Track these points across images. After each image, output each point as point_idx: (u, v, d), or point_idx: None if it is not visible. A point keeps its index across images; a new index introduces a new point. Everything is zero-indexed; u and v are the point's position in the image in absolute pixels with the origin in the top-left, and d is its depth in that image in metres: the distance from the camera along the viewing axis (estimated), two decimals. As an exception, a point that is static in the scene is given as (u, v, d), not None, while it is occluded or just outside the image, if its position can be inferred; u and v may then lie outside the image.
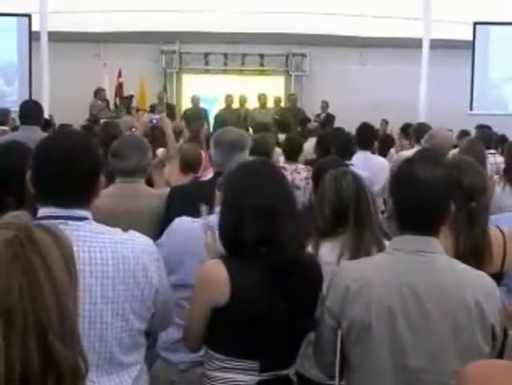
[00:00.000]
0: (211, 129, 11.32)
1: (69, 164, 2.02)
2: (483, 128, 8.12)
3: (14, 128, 6.41)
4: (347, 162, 5.25)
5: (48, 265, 1.11)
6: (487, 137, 7.00)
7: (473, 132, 8.25)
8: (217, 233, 2.39)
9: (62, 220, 1.98)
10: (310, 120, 11.14)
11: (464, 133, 8.64)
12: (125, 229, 2.13)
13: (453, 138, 5.49)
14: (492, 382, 1.34)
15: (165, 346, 2.86)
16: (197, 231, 2.49)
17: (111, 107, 13.16)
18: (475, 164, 3.04)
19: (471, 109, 12.44)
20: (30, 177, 2.09)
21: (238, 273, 2.19)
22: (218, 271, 2.19)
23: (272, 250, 2.17)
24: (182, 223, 2.80)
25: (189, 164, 4.94)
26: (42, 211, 2.02)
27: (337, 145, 5.59)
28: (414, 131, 6.44)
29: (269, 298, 2.17)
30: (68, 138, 2.19)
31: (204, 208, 2.54)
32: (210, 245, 2.40)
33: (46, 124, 7.47)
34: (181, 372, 2.81)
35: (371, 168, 5.39)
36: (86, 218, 2.04)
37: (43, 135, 5.25)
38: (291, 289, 2.20)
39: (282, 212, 2.21)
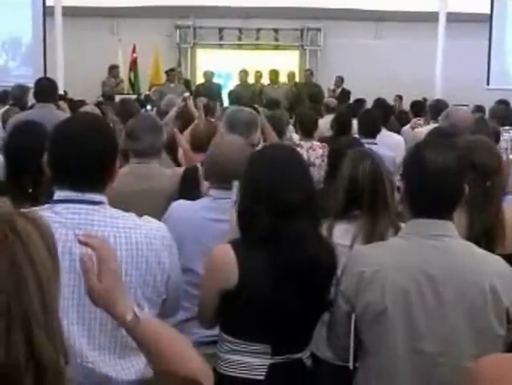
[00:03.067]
0: (224, 105, 11.21)
1: (84, 146, 2.00)
2: (503, 104, 7.98)
3: (31, 106, 6.43)
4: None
5: (32, 257, 1.07)
6: (503, 113, 6.91)
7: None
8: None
9: (77, 204, 1.99)
10: (323, 96, 11.04)
11: (478, 109, 8.51)
12: (140, 214, 2.12)
13: (470, 115, 5.38)
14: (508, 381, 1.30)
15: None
16: (196, 214, 2.45)
17: (126, 83, 13.13)
18: (487, 143, 3.00)
19: (488, 84, 12.28)
20: (46, 160, 2.08)
21: (247, 258, 2.19)
22: (227, 255, 2.20)
23: (282, 247, 2.16)
24: (180, 207, 2.79)
25: (202, 144, 4.90)
26: (58, 194, 2.02)
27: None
28: (430, 108, 6.38)
29: (276, 287, 2.17)
30: (85, 120, 2.18)
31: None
32: (233, 224, 2.37)
33: (62, 99, 7.45)
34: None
35: (390, 146, 5.33)
36: (101, 202, 2.03)
37: (58, 113, 5.32)
38: (299, 284, 2.19)
39: (299, 209, 2.18)
